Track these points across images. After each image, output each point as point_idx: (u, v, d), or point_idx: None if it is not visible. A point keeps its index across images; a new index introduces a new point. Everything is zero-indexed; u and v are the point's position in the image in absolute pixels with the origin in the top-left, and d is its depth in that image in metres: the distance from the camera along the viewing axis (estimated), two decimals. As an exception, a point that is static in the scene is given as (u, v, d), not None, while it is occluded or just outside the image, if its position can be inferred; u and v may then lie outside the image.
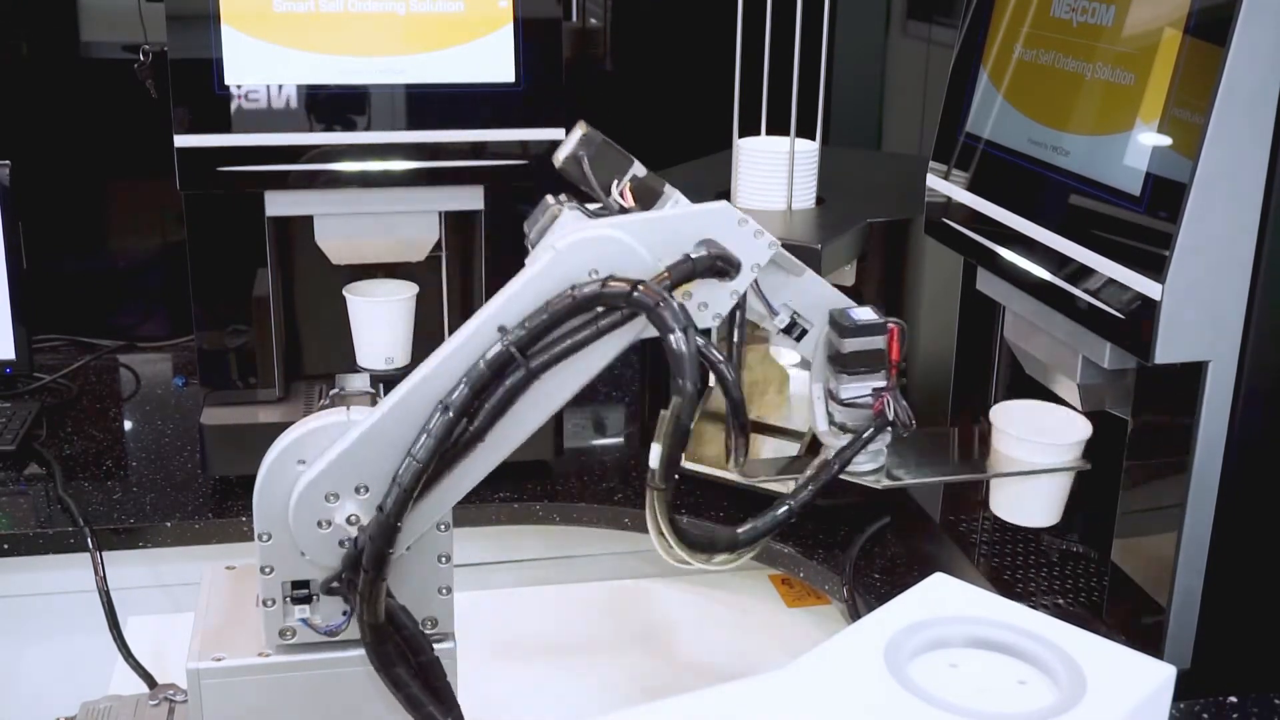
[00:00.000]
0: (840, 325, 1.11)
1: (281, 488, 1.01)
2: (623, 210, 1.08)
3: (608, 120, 2.42)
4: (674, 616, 1.75)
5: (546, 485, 1.81)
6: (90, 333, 2.30)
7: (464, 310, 1.87)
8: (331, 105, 1.64)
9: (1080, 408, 1.39)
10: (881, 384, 1.12)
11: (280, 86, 1.63)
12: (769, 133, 1.73)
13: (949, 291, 1.61)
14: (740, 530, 1.10)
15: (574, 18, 2.45)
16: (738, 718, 0.79)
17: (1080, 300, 1.23)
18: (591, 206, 1.09)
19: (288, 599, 1.04)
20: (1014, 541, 1.55)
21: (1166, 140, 1.15)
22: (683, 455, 1.00)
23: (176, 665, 1.37)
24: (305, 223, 1.71)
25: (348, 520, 1.01)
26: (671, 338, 0.93)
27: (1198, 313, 1.15)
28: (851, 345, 1.10)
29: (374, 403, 1.06)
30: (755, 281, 1.06)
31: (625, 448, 1.98)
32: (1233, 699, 1.29)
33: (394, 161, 1.66)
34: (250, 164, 1.63)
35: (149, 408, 2.08)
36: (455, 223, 1.79)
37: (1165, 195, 1.13)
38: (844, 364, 1.11)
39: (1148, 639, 1.29)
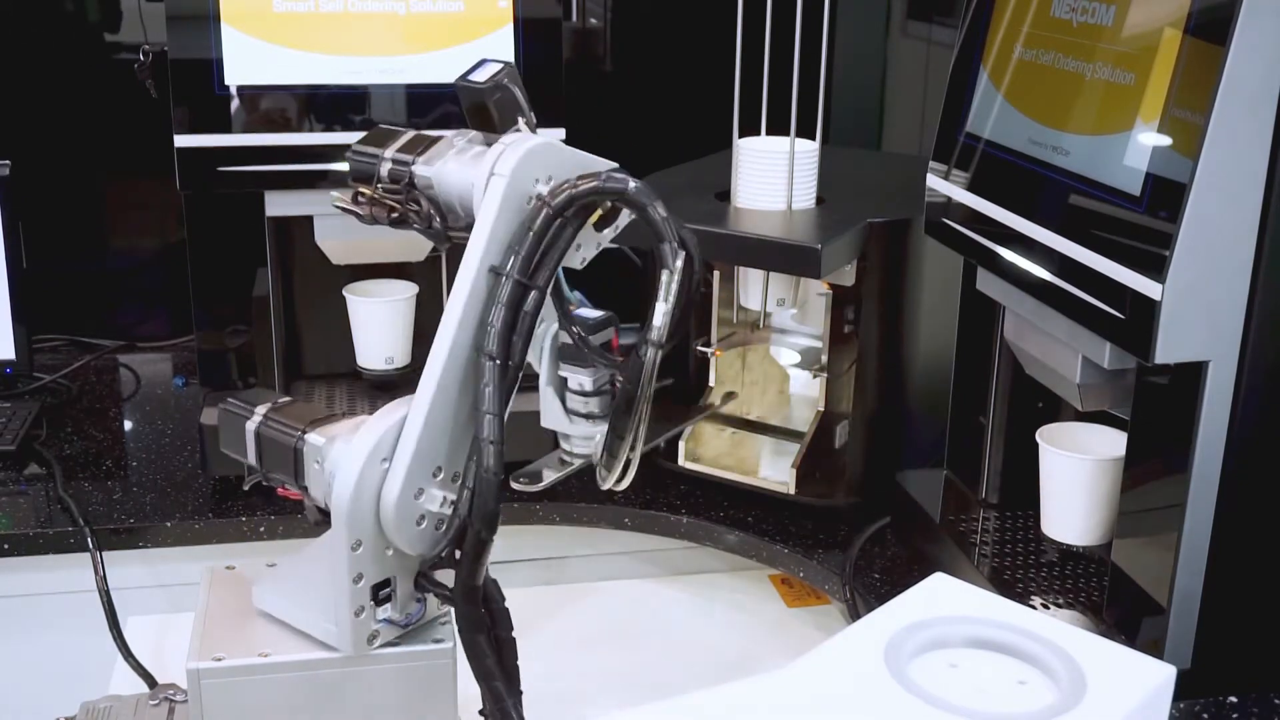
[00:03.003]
0: (584, 323, 1.11)
1: (370, 493, 1.01)
2: None
3: (608, 120, 2.44)
4: (674, 616, 1.75)
5: (546, 485, 1.81)
6: (90, 333, 2.30)
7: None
8: (331, 105, 1.64)
9: (1080, 407, 1.39)
10: (613, 370, 1.14)
11: (280, 86, 1.63)
12: (769, 133, 1.73)
13: (949, 291, 1.61)
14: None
15: (574, 18, 2.45)
16: (738, 718, 0.79)
17: (1080, 300, 1.23)
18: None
19: (372, 603, 1.04)
20: (1014, 541, 1.56)
21: (1166, 140, 1.15)
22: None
23: (176, 665, 1.37)
24: (305, 223, 1.71)
25: (441, 505, 1.02)
26: (649, 210, 1.00)
27: (1198, 313, 1.15)
28: (596, 339, 1.11)
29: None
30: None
31: (625, 448, 1.98)
32: (1233, 699, 1.29)
33: (394, 161, 1.66)
34: (250, 164, 1.63)
35: (149, 408, 2.08)
36: (455, 223, 1.79)
37: (1165, 195, 1.13)
38: (586, 358, 1.12)
39: (1148, 639, 1.29)
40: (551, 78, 1.70)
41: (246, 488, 1.13)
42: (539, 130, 1.09)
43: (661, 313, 1.01)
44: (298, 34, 1.63)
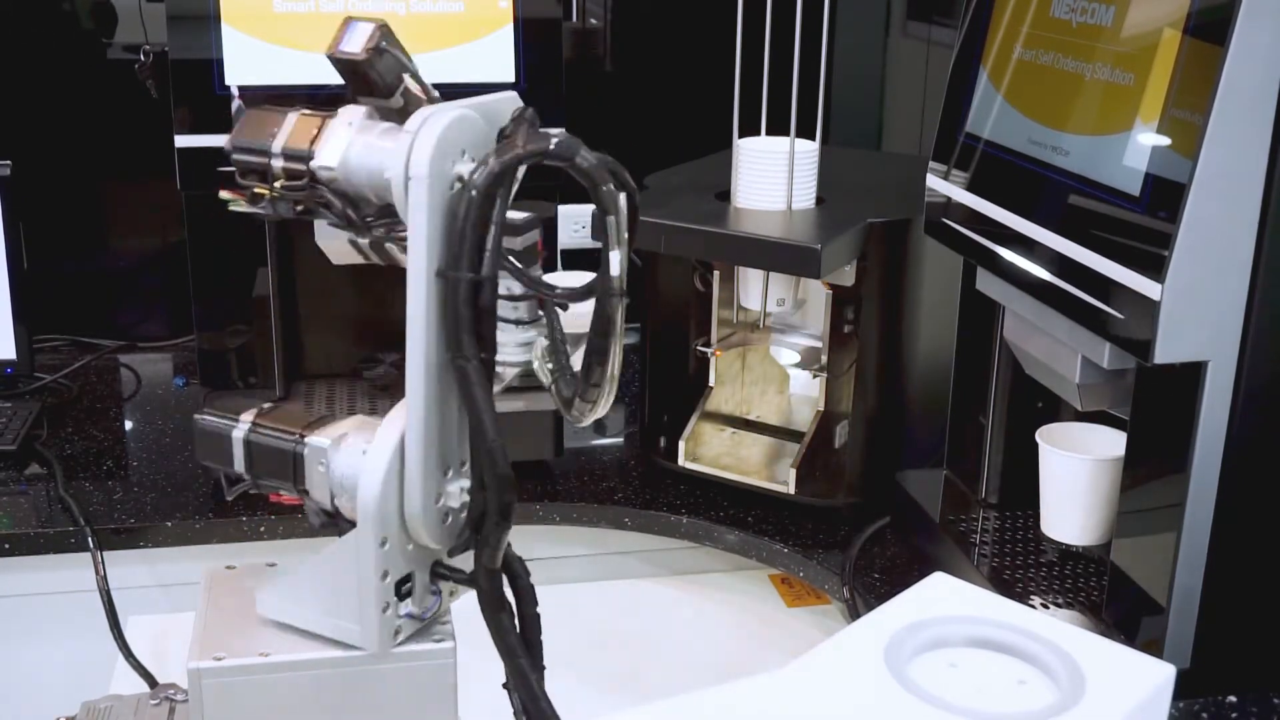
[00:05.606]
0: (511, 225, 1.04)
1: (395, 494, 1.00)
2: (412, 101, 1.03)
3: (608, 120, 2.44)
4: (674, 616, 1.75)
5: (546, 485, 1.82)
6: (90, 333, 2.30)
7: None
8: (331, 105, 1.64)
9: (1080, 407, 1.39)
10: (539, 273, 1.09)
11: (280, 86, 1.63)
12: (769, 133, 1.73)
13: (949, 291, 1.61)
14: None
15: (574, 18, 2.45)
16: (738, 718, 0.79)
17: (1080, 300, 1.23)
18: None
19: (396, 598, 1.04)
20: (1014, 541, 1.56)
21: (1166, 140, 1.15)
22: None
23: (177, 665, 1.37)
24: (305, 223, 1.70)
25: (460, 497, 1.02)
26: (578, 159, 0.94)
27: (1197, 313, 1.15)
28: (521, 242, 1.06)
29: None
30: None
31: (625, 448, 1.99)
32: (1232, 698, 1.29)
33: (394, 161, 1.66)
34: (251, 164, 1.63)
35: (149, 408, 2.08)
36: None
37: (1165, 195, 1.13)
38: (521, 260, 1.06)
39: (1147, 639, 1.29)
40: (551, 78, 1.70)
41: (230, 498, 1.11)
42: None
43: (617, 260, 0.96)
44: (298, 34, 1.63)
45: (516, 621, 1.07)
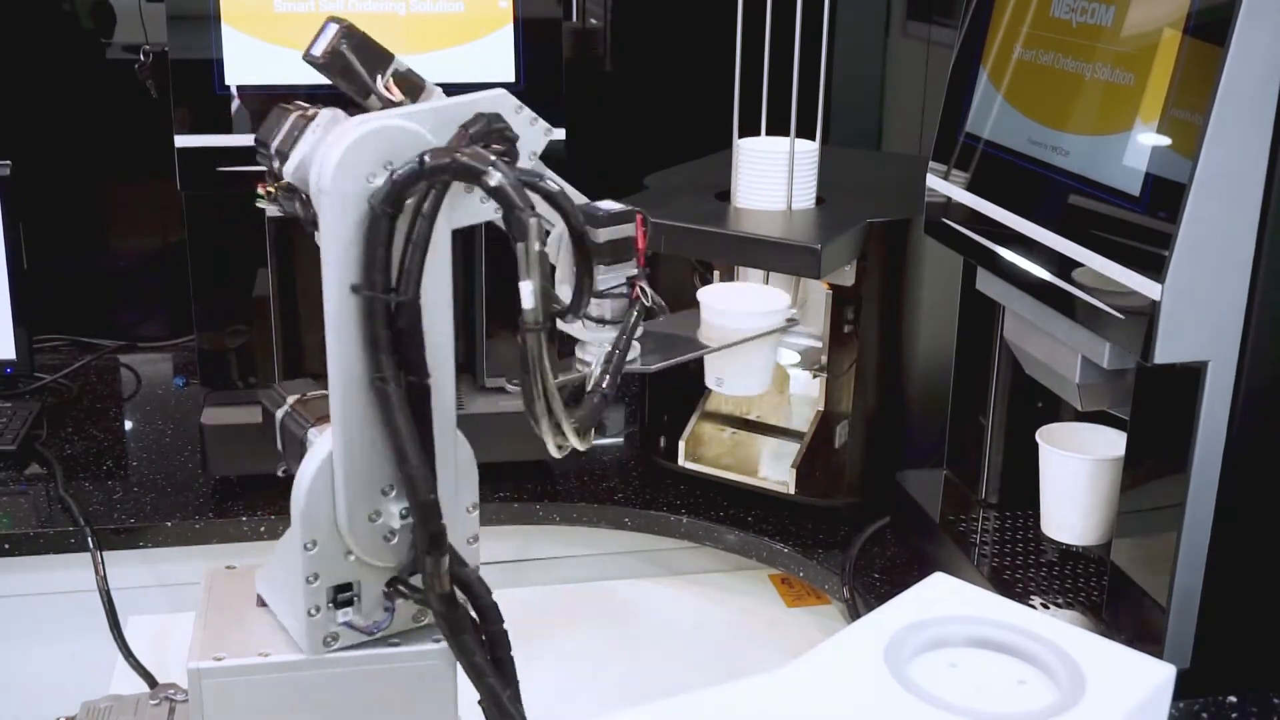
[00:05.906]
0: (592, 216, 1.02)
1: (326, 497, 1.00)
2: (388, 104, 1.00)
3: (608, 120, 2.43)
4: (674, 616, 1.75)
5: (546, 485, 1.82)
6: (90, 333, 2.30)
7: (465, 311, 1.87)
8: (331, 105, 1.64)
9: (1080, 407, 1.39)
10: (634, 271, 1.05)
11: (280, 86, 1.63)
12: (769, 133, 1.73)
13: (949, 291, 1.61)
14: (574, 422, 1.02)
15: (574, 18, 2.45)
16: (738, 718, 0.79)
17: (1080, 300, 1.23)
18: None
19: (331, 604, 1.03)
20: (1014, 541, 1.56)
21: (1166, 140, 1.15)
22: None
23: (177, 665, 1.37)
24: (305, 222, 1.71)
25: (403, 518, 1.00)
26: (485, 178, 0.87)
27: (1197, 313, 1.15)
28: (605, 235, 1.03)
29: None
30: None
31: (625, 448, 1.99)
32: (1232, 698, 1.29)
33: (394, 161, 1.66)
34: (250, 164, 1.62)
35: (149, 408, 2.08)
36: (455, 223, 1.79)
37: (1165, 195, 1.13)
38: (599, 254, 1.02)
39: (1148, 639, 1.29)
40: (551, 78, 1.70)
41: (280, 473, 1.11)
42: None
43: (529, 291, 0.88)
44: (298, 34, 1.63)
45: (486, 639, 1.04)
